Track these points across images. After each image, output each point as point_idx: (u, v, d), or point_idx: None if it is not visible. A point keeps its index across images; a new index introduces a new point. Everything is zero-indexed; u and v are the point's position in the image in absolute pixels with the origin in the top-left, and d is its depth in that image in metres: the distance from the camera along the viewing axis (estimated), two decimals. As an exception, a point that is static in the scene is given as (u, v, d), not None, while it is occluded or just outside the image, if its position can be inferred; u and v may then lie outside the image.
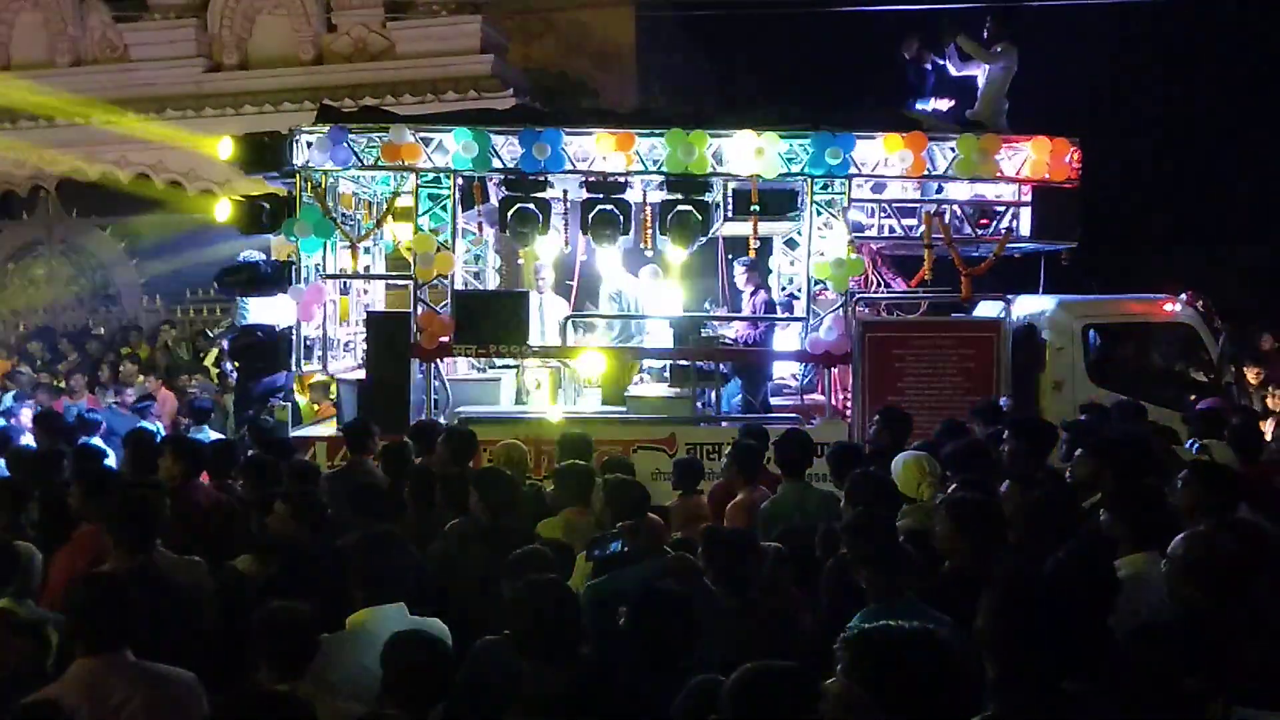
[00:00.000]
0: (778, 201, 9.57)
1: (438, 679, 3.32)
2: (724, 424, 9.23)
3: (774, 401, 10.19)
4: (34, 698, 3.06)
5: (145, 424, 9.11)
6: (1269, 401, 10.60)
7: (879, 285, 10.23)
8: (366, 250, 10.54)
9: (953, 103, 10.45)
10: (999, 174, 9.39)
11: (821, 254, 9.35)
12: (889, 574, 3.84)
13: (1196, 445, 6.59)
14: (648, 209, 9.74)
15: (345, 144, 9.21)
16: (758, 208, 9.30)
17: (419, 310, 9.31)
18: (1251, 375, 10.89)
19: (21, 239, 17.97)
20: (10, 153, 15.95)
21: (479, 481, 5.38)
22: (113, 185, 16.03)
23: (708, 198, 9.58)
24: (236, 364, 10.41)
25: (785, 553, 4.65)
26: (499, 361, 10.08)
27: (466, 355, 9.62)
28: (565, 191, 9.68)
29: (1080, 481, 5.42)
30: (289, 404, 9.88)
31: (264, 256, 10.32)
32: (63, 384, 13.00)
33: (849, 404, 9.39)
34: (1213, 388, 9.54)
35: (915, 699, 2.44)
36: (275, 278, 9.79)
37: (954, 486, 5.03)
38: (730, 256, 10.99)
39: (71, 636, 3.43)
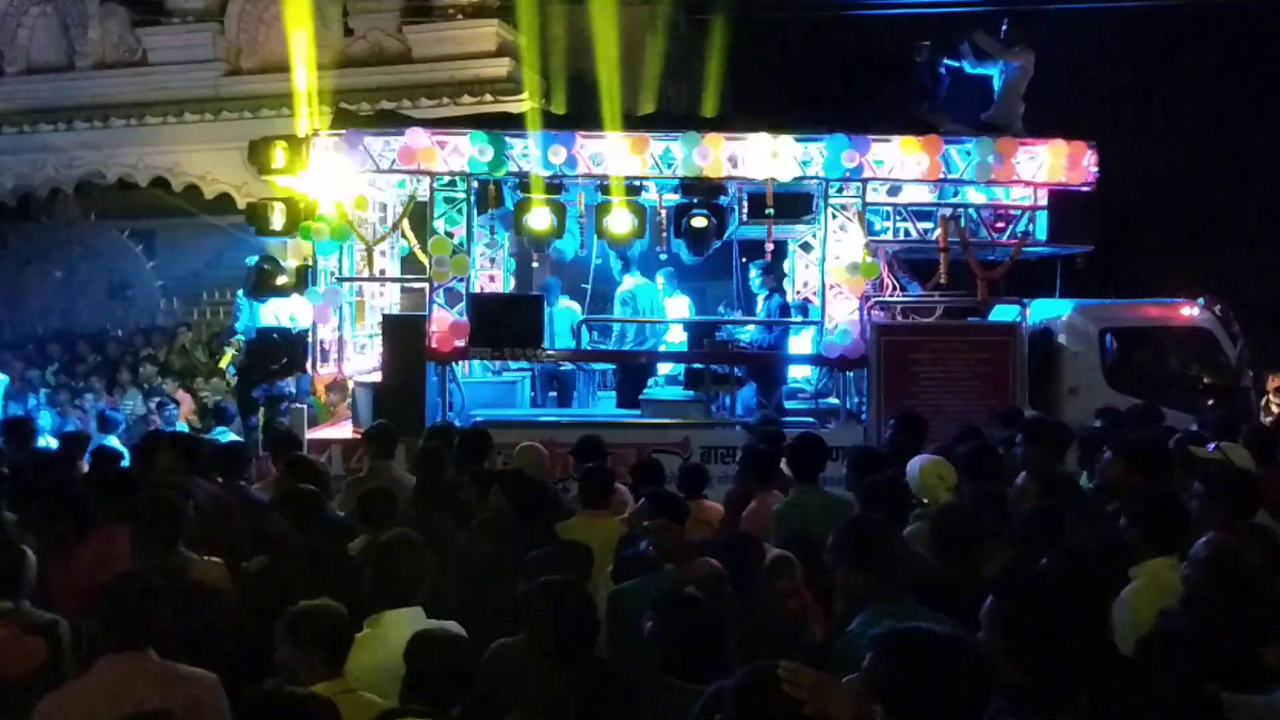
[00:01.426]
0: (793, 205, 9.57)
1: (459, 677, 3.34)
2: (738, 428, 9.23)
3: (789, 405, 10.18)
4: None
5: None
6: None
7: (893, 289, 10.23)
8: (382, 253, 10.60)
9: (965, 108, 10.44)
10: (1015, 177, 9.37)
11: (837, 257, 9.35)
12: (879, 578, 3.82)
13: (1214, 447, 6.55)
14: (663, 212, 9.76)
15: (362, 147, 9.26)
16: (772, 211, 9.31)
17: (434, 313, 9.34)
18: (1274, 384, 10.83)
19: (40, 241, 18.09)
20: (29, 155, 16.09)
21: (504, 482, 5.35)
22: (131, 188, 16.15)
23: (723, 201, 9.58)
24: (234, 370, 10.48)
25: (790, 557, 4.63)
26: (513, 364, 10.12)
27: (481, 359, 9.65)
28: (581, 195, 9.71)
29: (1106, 485, 5.39)
30: (304, 407, 9.93)
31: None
32: (80, 384, 13.12)
33: (864, 407, 9.38)
34: (1230, 393, 9.49)
35: (939, 702, 2.42)
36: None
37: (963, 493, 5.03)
38: (745, 260, 10.99)
39: (98, 635, 3.46)
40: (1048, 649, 2.79)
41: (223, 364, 13.77)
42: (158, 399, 11.47)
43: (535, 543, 4.65)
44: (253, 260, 10.28)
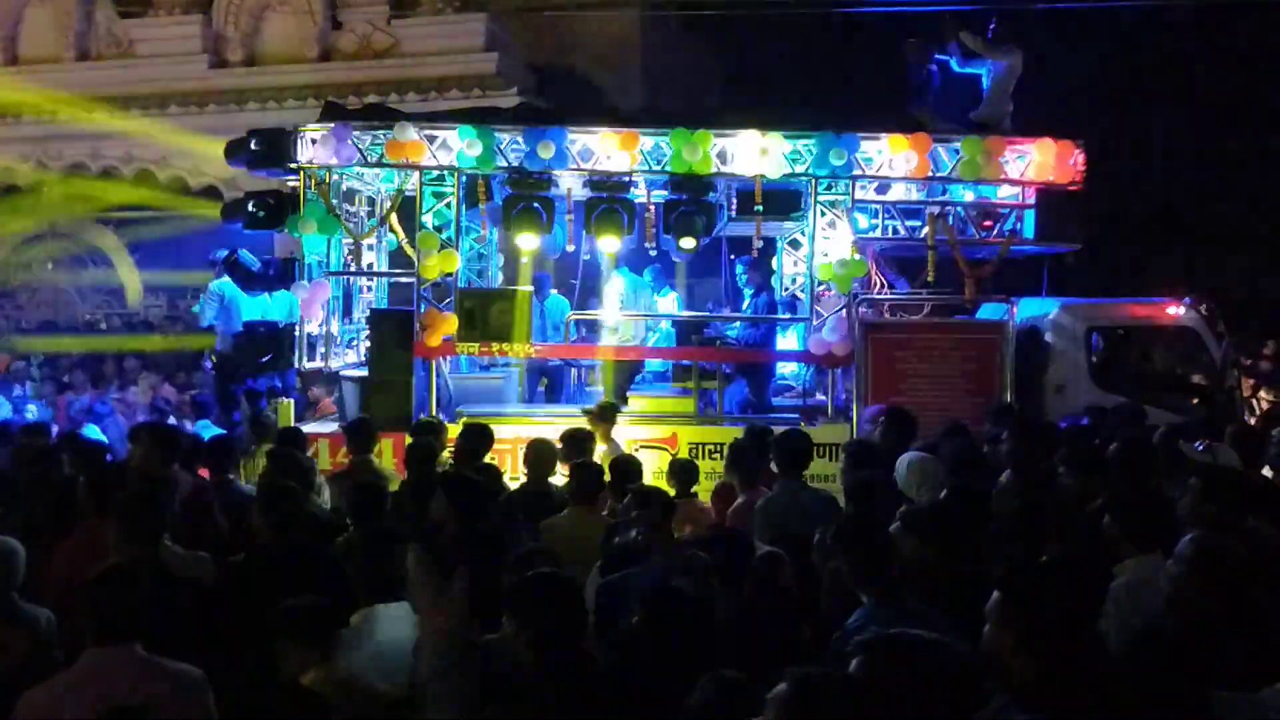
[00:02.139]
0: (782, 202, 9.57)
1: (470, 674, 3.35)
2: (725, 424, 9.22)
3: (777, 402, 10.18)
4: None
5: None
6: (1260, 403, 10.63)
7: (881, 286, 10.24)
8: (370, 247, 10.56)
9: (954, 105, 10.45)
10: (1003, 176, 9.39)
11: (825, 255, 9.35)
12: (870, 574, 3.83)
13: (1202, 446, 6.58)
14: (651, 208, 9.75)
15: (350, 141, 9.21)
16: (761, 208, 9.31)
17: (422, 308, 9.31)
18: (1247, 386, 10.89)
19: (25, 234, 17.97)
20: (15, 148, 15.99)
21: (445, 486, 5.04)
22: (117, 181, 16.07)
23: (712, 197, 9.57)
24: (214, 361, 10.44)
25: (780, 554, 4.63)
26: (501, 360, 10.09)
27: (469, 354, 9.62)
28: (569, 190, 9.68)
29: (1074, 493, 5.41)
30: (291, 401, 9.88)
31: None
32: (66, 377, 13.04)
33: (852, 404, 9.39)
34: (1215, 392, 9.55)
35: (925, 707, 2.42)
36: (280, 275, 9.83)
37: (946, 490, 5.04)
38: (733, 256, 10.99)
39: (82, 627, 3.44)
40: (1056, 644, 2.79)
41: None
42: (145, 392, 11.40)
43: (481, 545, 4.60)
44: (223, 253, 10.22)
